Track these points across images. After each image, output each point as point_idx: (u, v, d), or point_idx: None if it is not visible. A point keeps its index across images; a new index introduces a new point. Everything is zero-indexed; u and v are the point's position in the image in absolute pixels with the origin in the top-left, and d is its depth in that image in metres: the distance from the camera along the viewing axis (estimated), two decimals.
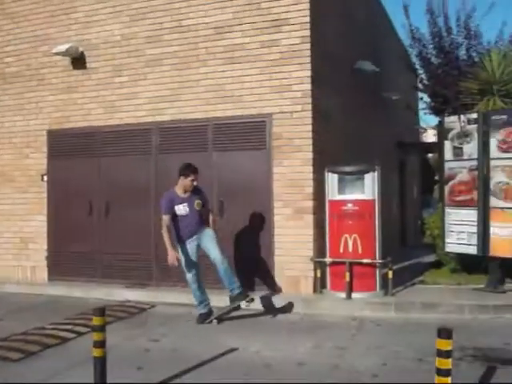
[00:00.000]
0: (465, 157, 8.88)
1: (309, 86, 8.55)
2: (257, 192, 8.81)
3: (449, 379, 3.70)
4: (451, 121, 9.22)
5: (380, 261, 8.29)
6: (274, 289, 8.66)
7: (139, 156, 9.59)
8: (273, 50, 8.75)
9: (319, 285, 8.46)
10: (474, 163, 8.71)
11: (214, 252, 7.35)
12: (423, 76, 14.11)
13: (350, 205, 8.27)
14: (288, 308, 8.05)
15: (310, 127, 8.53)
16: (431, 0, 13.58)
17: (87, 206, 9.95)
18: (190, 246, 7.41)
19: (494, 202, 8.49)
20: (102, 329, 4.35)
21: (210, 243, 7.39)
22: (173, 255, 7.22)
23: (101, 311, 4.39)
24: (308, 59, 8.57)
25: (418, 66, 14.23)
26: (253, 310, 8.00)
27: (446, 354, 3.72)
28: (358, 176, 8.37)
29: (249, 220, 8.86)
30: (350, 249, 8.21)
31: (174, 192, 7.46)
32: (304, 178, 8.51)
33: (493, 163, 8.52)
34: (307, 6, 8.61)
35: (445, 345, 3.73)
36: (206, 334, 6.93)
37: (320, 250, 8.57)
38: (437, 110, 13.58)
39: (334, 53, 9.94)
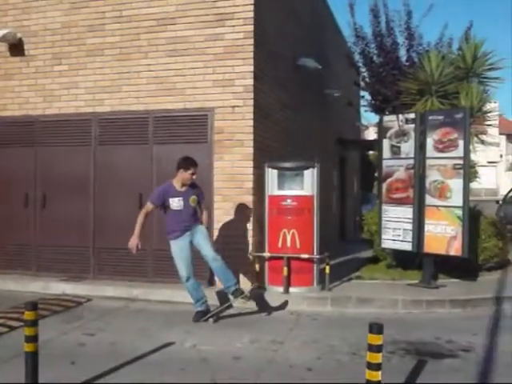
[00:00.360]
0: (402, 155, 9.09)
1: (251, 82, 8.57)
2: None
3: (379, 373, 3.79)
4: (390, 120, 9.42)
5: (318, 256, 8.40)
6: (212, 283, 8.66)
7: (78, 147, 9.41)
8: (216, 43, 8.73)
9: (258, 279, 8.51)
10: (411, 162, 8.93)
11: (206, 249, 7.24)
12: (365, 74, 14.31)
13: (289, 200, 8.35)
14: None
15: (251, 122, 8.56)
16: (374, 0, 13.78)
17: (23, 197, 9.69)
18: (183, 242, 7.20)
19: (429, 200, 8.73)
20: (33, 323, 4.26)
21: (202, 240, 7.25)
22: (134, 242, 7.13)
23: (33, 305, 4.30)
24: (251, 54, 8.58)
25: (360, 64, 14.42)
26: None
27: (376, 349, 3.81)
28: (297, 172, 8.46)
29: None
30: (289, 244, 8.29)
31: (171, 184, 7.27)
32: (244, 172, 8.54)
33: (429, 162, 8.76)
34: (252, 1, 8.62)
35: (376, 339, 3.81)
36: (144, 328, 6.87)
37: (259, 244, 8.63)
38: (377, 108, 13.81)
39: (278, 49, 9.99)
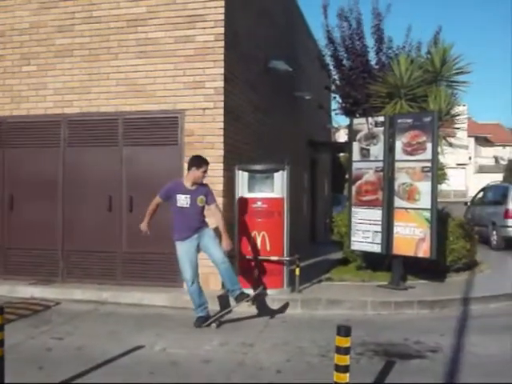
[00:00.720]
0: (371, 158, 9.17)
1: (221, 84, 8.57)
2: None
3: (347, 375, 3.81)
4: (359, 122, 9.51)
5: (288, 258, 8.43)
6: (183, 285, 8.63)
7: (46, 149, 9.30)
8: (187, 45, 8.72)
9: None
10: (380, 164, 9.02)
11: (213, 251, 7.15)
12: (336, 77, 14.40)
13: (259, 203, 8.35)
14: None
15: (221, 124, 8.57)
16: (343, 4, 13.92)
17: None
18: (190, 245, 7.10)
19: (398, 202, 8.82)
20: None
21: (210, 243, 7.15)
22: (143, 227, 7.29)
23: None
24: (221, 57, 8.59)
25: (331, 67, 14.51)
26: (159, 307, 8.00)
27: (344, 351, 3.83)
28: (267, 174, 8.48)
29: (159, 216, 8.74)
30: (259, 246, 8.31)
31: (180, 181, 7.24)
32: (215, 175, 8.52)
33: (397, 165, 8.85)
34: (222, 3, 8.64)
35: (344, 342, 3.83)
36: (113, 332, 6.82)
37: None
38: (347, 111, 13.91)
39: (249, 51, 10.02)
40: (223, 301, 7.77)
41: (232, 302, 7.48)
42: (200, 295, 7.18)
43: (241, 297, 7.13)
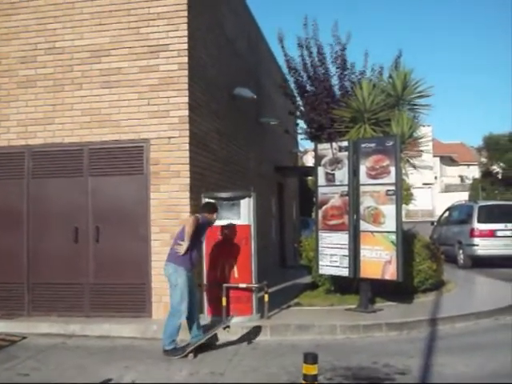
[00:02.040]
0: (337, 182, 9.27)
1: (186, 112, 8.62)
2: (134, 217, 8.73)
3: None
4: (324, 148, 9.61)
5: (256, 285, 8.43)
6: (151, 315, 8.58)
7: (10, 180, 9.20)
8: (151, 75, 8.75)
9: None
10: (345, 189, 9.12)
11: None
12: (300, 103, 14.58)
13: (226, 230, 8.36)
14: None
15: (187, 153, 8.58)
16: (301, 34, 14.15)
17: None
18: (189, 276, 7.16)
19: (363, 225, 8.92)
20: None
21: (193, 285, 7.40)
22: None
23: None
24: (185, 86, 8.64)
25: (295, 93, 14.69)
26: (128, 338, 7.92)
27: (311, 378, 3.85)
28: (233, 202, 8.50)
29: (125, 246, 8.75)
30: (227, 273, 8.29)
31: (206, 220, 7.46)
32: (181, 203, 8.54)
33: (362, 189, 8.96)
34: (185, 33, 8.71)
35: (310, 369, 3.85)
36: (81, 365, 6.72)
37: (197, 274, 8.57)
38: (313, 136, 14.06)
39: (213, 79, 10.10)
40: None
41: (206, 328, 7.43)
42: (178, 331, 7.04)
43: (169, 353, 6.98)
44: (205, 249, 8.45)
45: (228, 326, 7.48)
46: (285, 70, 14.69)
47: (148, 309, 8.64)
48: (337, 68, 13.85)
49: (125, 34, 8.89)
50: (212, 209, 7.55)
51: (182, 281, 7.02)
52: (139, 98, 8.78)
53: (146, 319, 8.51)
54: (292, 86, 14.65)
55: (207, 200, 8.15)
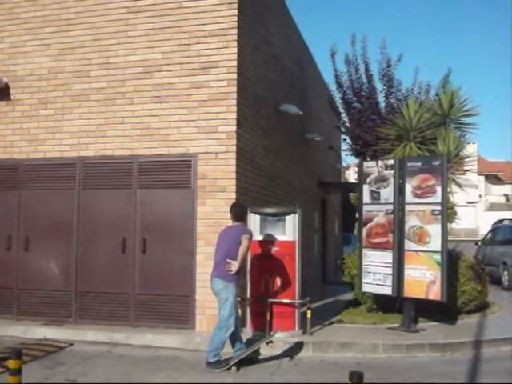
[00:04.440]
0: (382, 201, 9.27)
1: (234, 128, 8.76)
2: (180, 230, 8.89)
3: None
4: (369, 166, 9.63)
5: (299, 301, 8.48)
6: (195, 327, 8.70)
7: (62, 191, 9.46)
8: (201, 91, 8.93)
9: (240, 323, 8.55)
10: (390, 207, 9.12)
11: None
12: (345, 119, 14.63)
13: (270, 245, 8.45)
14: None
15: (234, 168, 8.71)
16: (349, 51, 14.23)
17: (7, 239, 9.67)
18: (236, 288, 7.31)
19: (408, 244, 8.89)
20: (17, 372, 4.29)
21: None
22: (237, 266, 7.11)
23: (17, 354, 4.32)
24: (234, 101, 8.79)
25: (341, 110, 14.75)
26: (172, 349, 8.04)
27: None
28: (279, 217, 8.58)
29: (171, 258, 8.90)
30: (271, 288, 8.37)
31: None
32: (227, 217, 8.55)
33: (408, 208, 8.94)
34: (235, 50, 8.87)
35: None
36: (127, 374, 6.85)
37: (241, 289, 8.65)
38: (357, 153, 14.11)
39: (261, 95, 10.23)
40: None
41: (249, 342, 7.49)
42: (224, 343, 7.10)
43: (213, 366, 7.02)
44: (249, 263, 8.55)
45: (271, 341, 7.56)
46: (332, 85, 14.78)
47: (191, 321, 8.75)
48: (384, 85, 13.86)
49: (176, 51, 9.10)
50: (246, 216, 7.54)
51: (232, 296, 7.13)
52: (189, 113, 8.95)
53: (189, 331, 8.63)
54: (338, 102, 14.70)
55: (239, 204, 7.99)
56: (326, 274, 17.04)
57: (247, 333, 8.42)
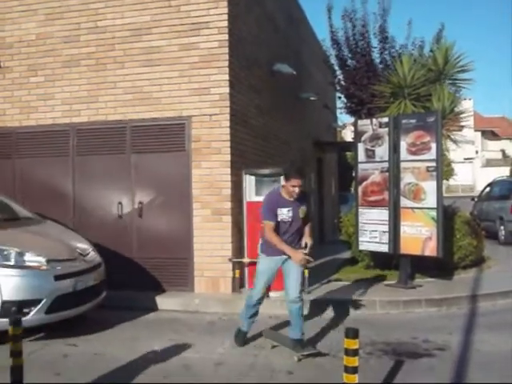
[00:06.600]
0: (377, 159, 9.26)
1: (227, 90, 8.68)
2: (176, 194, 8.90)
3: (356, 376, 3.93)
4: (364, 124, 9.59)
5: None
6: (193, 289, 8.78)
7: (56, 158, 9.44)
8: (191, 53, 8.83)
9: (238, 285, 8.65)
10: (386, 165, 9.11)
11: (290, 283, 6.09)
12: (340, 77, 14.49)
13: None
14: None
15: (228, 130, 8.67)
16: (347, 5, 13.98)
17: None
18: (275, 263, 6.17)
19: (404, 202, 8.91)
20: (18, 339, 4.34)
21: (292, 270, 6.07)
22: (298, 256, 5.92)
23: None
24: (226, 63, 8.70)
25: (336, 67, 14.60)
26: (172, 311, 8.12)
27: (352, 353, 3.95)
28: (274, 178, 8.57)
29: (168, 222, 8.94)
30: None
31: (278, 193, 6.16)
32: (222, 179, 8.66)
33: (403, 165, 8.93)
34: (226, 10, 8.74)
35: (352, 344, 3.95)
36: (129, 338, 6.93)
37: (238, 250, 8.75)
38: (352, 111, 14.01)
39: (253, 56, 10.12)
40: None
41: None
42: (250, 310, 6.38)
43: (297, 347, 6.01)
44: (245, 224, 8.59)
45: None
46: (327, 43, 14.59)
47: (190, 283, 8.83)
48: (378, 42, 13.68)
49: (165, 13, 8.96)
50: (288, 174, 6.15)
51: (260, 267, 6.34)
52: (180, 76, 8.87)
53: (188, 293, 8.71)
54: (333, 59, 14.53)
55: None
56: (323, 234, 17.10)
57: (246, 293, 8.49)
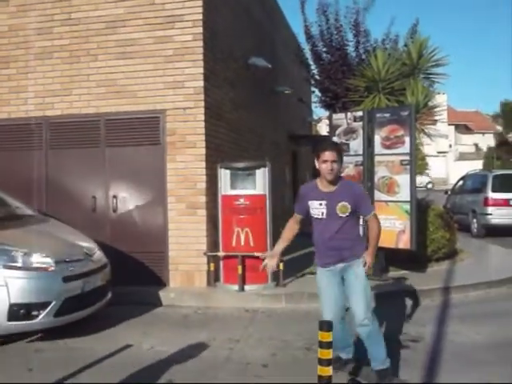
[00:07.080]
0: (351, 152, 9.31)
1: (201, 83, 8.66)
2: (150, 187, 8.86)
3: (330, 368, 3.95)
4: (338, 117, 9.64)
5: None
6: (168, 283, 8.76)
7: (29, 151, 9.31)
8: (166, 46, 8.78)
9: (213, 278, 8.65)
10: (360, 159, 9.17)
11: (354, 301, 4.90)
12: (315, 71, 14.51)
13: (241, 200, 8.48)
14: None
15: (202, 124, 8.65)
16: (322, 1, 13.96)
17: None
18: (328, 276, 5.03)
19: (378, 195, 8.98)
20: None
21: (354, 285, 4.91)
22: (269, 262, 5.33)
23: None
24: (200, 56, 8.67)
25: (310, 62, 14.61)
26: (148, 305, 8.10)
27: (327, 345, 3.96)
28: (249, 172, 8.60)
29: (142, 215, 8.90)
30: (242, 242, 8.44)
31: (314, 183, 5.05)
32: (197, 173, 8.64)
33: (377, 159, 9.01)
34: (200, 3, 8.71)
35: (326, 336, 3.96)
36: (106, 333, 6.90)
37: (213, 244, 8.75)
38: (327, 105, 14.04)
39: (228, 49, 10.11)
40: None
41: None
42: (341, 339, 5.12)
43: (381, 375, 4.94)
44: (220, 218, 8.59)
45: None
46: (301, 37, 14.59)
47: (165, 277, 8.81)
48: (353, 36, 13.71)
49: (140, 5, 8.89)
50: (316, 149, 4.92)
51: (318, 284, 5.25)
52: (154, 69, 8.82)
53: (163, 287, 8.69)
54: (308, 54, 14.54)
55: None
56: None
57: (221, 286, 8.53)
